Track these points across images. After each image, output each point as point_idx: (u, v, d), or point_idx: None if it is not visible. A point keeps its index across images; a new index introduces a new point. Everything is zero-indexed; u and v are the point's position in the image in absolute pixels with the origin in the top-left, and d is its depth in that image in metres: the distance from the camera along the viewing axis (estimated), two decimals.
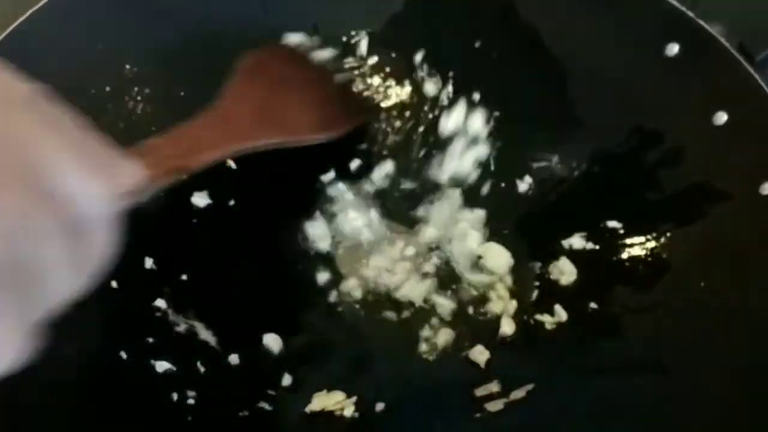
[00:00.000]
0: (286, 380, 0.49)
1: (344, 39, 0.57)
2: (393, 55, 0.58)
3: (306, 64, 0.54)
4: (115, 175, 0.25)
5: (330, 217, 0.56)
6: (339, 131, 0.51)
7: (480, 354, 0.50)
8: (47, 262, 0.21)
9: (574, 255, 0.53)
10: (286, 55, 0.54)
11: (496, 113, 0.56)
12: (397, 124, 0.59)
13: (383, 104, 0.59)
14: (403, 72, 0.58)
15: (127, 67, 0.51)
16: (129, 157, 0.28)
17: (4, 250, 0.19)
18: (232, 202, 0.55)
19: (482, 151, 0.56)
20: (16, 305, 0.20)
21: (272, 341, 0.50)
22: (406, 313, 0.52)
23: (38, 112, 0.23)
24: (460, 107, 0.56)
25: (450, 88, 0.57)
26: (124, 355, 0.46)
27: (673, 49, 0.47)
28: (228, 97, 0.46)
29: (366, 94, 0.58)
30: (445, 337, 0.51)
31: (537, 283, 0.53)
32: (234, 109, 0.45)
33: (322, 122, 0.50)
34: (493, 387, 0.48)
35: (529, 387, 0.47)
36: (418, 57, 0.57)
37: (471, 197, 0.56)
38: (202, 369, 0.48)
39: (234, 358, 0.49)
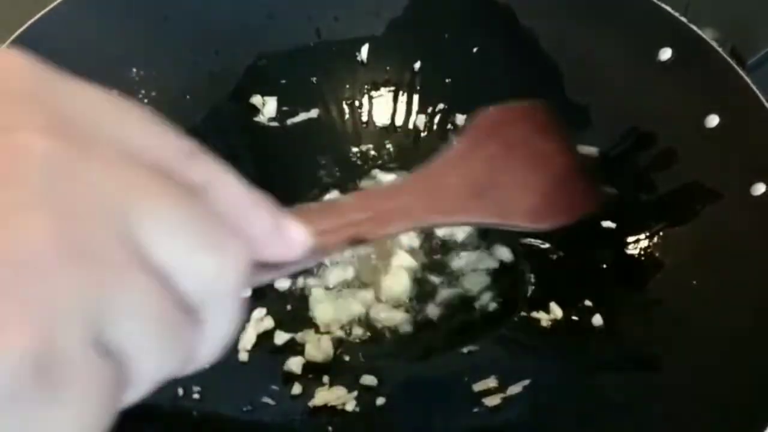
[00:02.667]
0: (290, 376, 0.50)
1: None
2: (393, 59, 0.59)
3: (547, 132, 0.45)
4: (229, 245, 0.19)
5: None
6: (551, 226, 0.42)
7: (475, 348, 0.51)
8: (138, 341, 0.17)
9: (569, 254, 0.53)
10: (528, 117, 0.45)
11: None
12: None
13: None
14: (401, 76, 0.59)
15: (134, 70, 0.52)
16: (296, 219, 0.23)
17: (72, 327, 0.15)
18: None
19: None
20: (85, 383, 0.16)
21: (277, 337, 0.51)
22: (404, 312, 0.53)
23: (172, 169, 0.19)
24: None
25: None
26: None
27: (666, 53, 0.48)
28: (448, 159, 0.39)
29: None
30: (443, 333, 0.52)
31: (533, 281, 0.54)
32: (450, 175, 0.38)
33: (542, 210, 0.41)
34: (491, 382, 0.48)
35: (526, 382, 0.48)
36: (417, 63, 0.58)
37: None
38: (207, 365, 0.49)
39: (238, 354, 0.50)
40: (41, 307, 0.15)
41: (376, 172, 0.58)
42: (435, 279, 0.54)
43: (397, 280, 0.53)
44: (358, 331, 0.52)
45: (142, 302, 0.17)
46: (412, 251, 0.55)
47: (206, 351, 0.20)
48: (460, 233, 0.56)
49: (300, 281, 0.54)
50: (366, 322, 0.52)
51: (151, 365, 0.18)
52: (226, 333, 0.20)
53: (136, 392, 0.19)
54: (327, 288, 0.54)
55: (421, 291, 0.54)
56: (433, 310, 0.53)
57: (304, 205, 0.28)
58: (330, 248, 0.27)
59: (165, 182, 0.18)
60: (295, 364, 0.50)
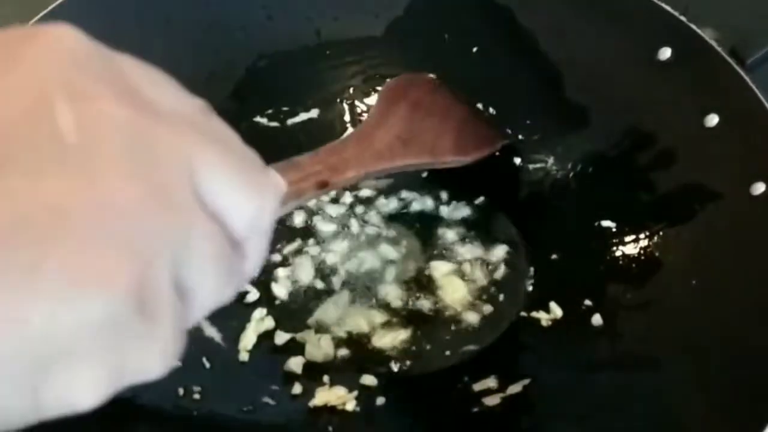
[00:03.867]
0: (290, 376, 0.50)
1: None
2: (392, 60, 0.59)
3: (443, 92, 0.56)
4: (264, 189, 0.23)
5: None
6: (472, 157, 0.53)
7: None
8: (201, 277, 0.20)
9: (569, 253, 0.54)
10: (425, 83, 0.56)
11: (493, 112, 0.57)
12: None
13: None
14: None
15: None
16: (274, 171, 0.27)
17: (162, 268, 0.18)
18: None
19: None
20: (171, 318, 0.19)
21: (277, 337, 0.51)
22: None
23: (203, 126, 0.22)
24: None
25: None
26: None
27: (666, 53, 0.48)
28: (372, 120, 0.49)
29: None
30: (442, 332, 0.52)
31: (532, 281, 0.54)
32: (378, 131, 0.48)
33: (458, 147, 0.52)
34: (491, 382, 0.48)
35: (526, 382, 0.48)
36: (417, 63, 0.58)
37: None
38: (207, 364, 0.49)
39: (238, 355, 0.50)
40: (140, 248, 0.17)
41: None
42: None
43: (452, 287, 0.53)
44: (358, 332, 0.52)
45: (208, 242, 0.20)
46: (413, 254, 0.55)
47: (245, 279, 0.24)
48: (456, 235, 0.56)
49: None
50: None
51: (210, 298, 0.21)
52: (260, 262, 0.24)
53: (192, 322, 0.21)
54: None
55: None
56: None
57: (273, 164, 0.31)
58: (301, 193, 0.34)
59: (209, 138, 0.21)
60: (295, 364, 0.50)
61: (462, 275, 0.54)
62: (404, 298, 0.53)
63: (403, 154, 0.48)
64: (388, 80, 0.55)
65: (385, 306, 0.53)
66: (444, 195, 0.58)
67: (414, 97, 0.53)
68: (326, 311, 0.53)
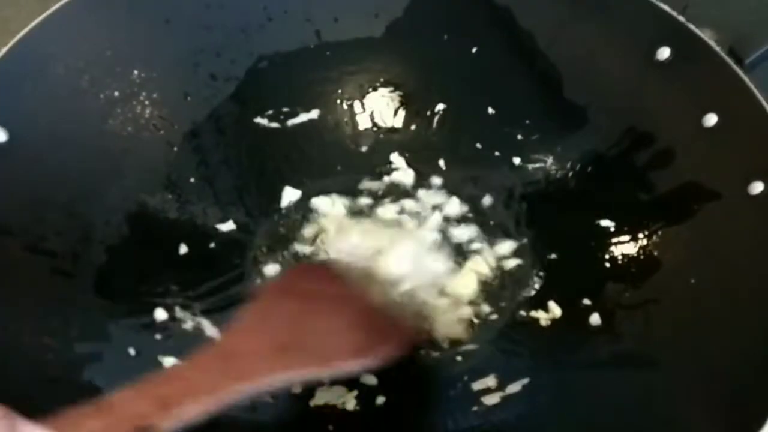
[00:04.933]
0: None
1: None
2: (392, 60, 0.59)
3: (339, 282, 0.48)
4: None
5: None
6: (377, 359, 0.43)
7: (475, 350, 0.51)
8: None
9: (567, 253, 0.54)
10: (317, 272, 0.49)
11: (492, 112, 0.57)
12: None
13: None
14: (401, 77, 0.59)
15: (135, 72, 0.52)
16: (77, 418, 0.24)
17: None
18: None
19: None
20: None
21: None
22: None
23: None
24: None
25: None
26: (132, 351, 0.48)
27: (665, 53, 0.48)
28: (241, 325, 0.39)
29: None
30: (443, 331, 0.52)
31: (532, 280, 0.54)
32: (248, 338, 0.38)
33: (357, 348, 0.42)
34: (490, 381, 0.49)
35: (525, 381, 0.48)
36: (417, 64, 0.58)
37: None
38: None
39: None
40: None
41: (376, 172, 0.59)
42: None
43: (466, 281, 0.53)
44: None
45: None
46: None
47: None
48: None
49: None
50: None
51: None
52: None
53: None
54: None
55: None
56: None
57: (76, 408, 0.28)
58: None
59: None
60: None
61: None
62: None
63: (284, 364, 0.37)
64: (271, 278, 0.48)
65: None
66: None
67: (301, 290, 0.44)
68: None
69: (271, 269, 0.54)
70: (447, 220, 0.57)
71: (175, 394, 0.32)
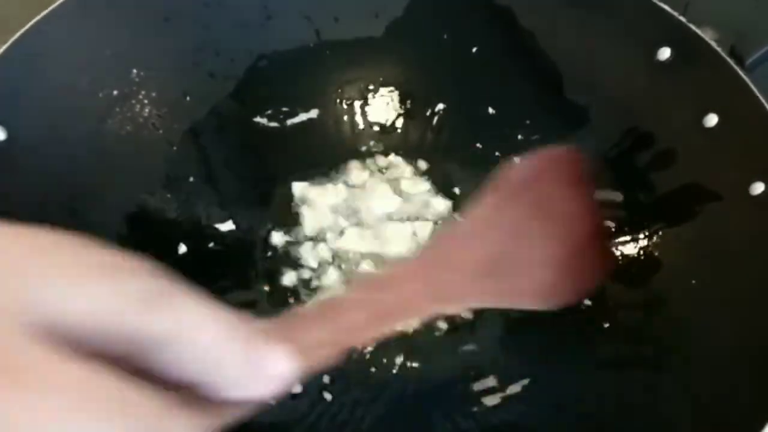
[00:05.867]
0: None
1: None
2: (392, 60, 0.59)
3: (575, 188, 0.38)
4: (249, 385, 0.19)
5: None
6: (565, 302, 0.35)
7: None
8: None
9: None
10: (557, 168, 0.38)
11: (492, 112, 0.57)
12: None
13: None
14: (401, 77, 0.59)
15: (135, 71, 0.52)
16: (275, 342, 0.20)
17: None
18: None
19: None
20: None
21: None
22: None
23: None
24: None
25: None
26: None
27: (665, 53, 0.48)
28: (461, 231, 0.33)
29: None
30: (442, 331, 0.52)
31: None
32: (458, 252, 0.32)
33: (555, 287, 0.35)
34: (490, 382, 0.49)
35: (525, 382, 0.48)
36: (417, 64, 0.58)
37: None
38: None
39: None
40: None
41: (376, 172, 0.59)
42: None
43: None
44: None
45: None
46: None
47: None
48: None
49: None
50: None
51: None
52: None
53: None
54: None
55: None
56: None
57: (299, 308, 0.25)
58: (319, 367, 0.24)
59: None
60: None
61: None
62: None
63: (478, 293, 0.32)
64: (510, 163, 0.37)
65: None
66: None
67: (534, 197, 0.35)
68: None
69: (271, 268, 0.54)
70: (446, 219, 0.57)
71: (387, 307, 0.27)
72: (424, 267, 0.31)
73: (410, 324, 0.46)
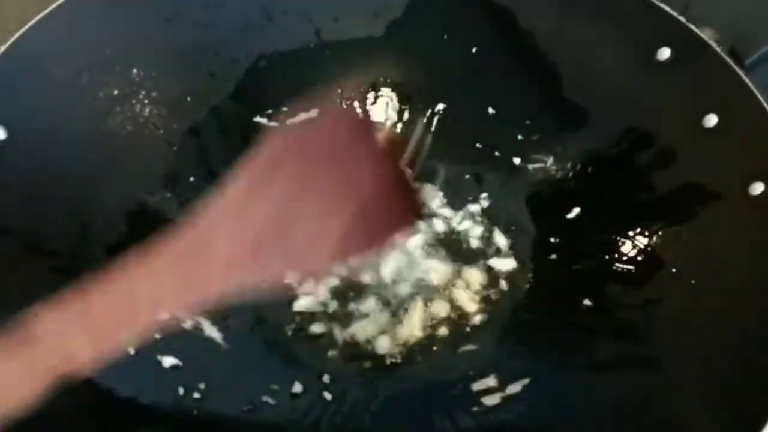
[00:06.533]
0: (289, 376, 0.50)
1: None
2: (392, 60, 0.59)
3: (362, 138, 0.35)
4: None
5: None
6: (363, 255, 0.33)
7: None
8: None
9: (568, 254, 0.54)
10: (335, 124, 0.36)
11: (492, 112, 0.57)
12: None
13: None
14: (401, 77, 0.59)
15: (135, 71, 0.52)
16: None
17: None
18: None
19: None
20: None
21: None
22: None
23: None
24: None
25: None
26: (131, 350, 0.47)
27: (665, 53, 0.48)
28: (215, 212, 0.29)
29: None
30: (442, 332, 0.52)
31: (532, 280, 0.54)
32: (216, 236, 0.28)
33: (348, 244, 0.31)
34: (490, 381, 0.49)
35: (525, 381, 0.48)
36: (417, 64, 0.58)
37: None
38: (208, 365, 0.49)
39: (238, 354, 0.51)
40: None
41: None
42: None
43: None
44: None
45: None
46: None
47: None
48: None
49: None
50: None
51: None
52: None
53: None
54: None
55: None
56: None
57: None
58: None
59: None
60: None
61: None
62: None
63: (249, 272, 0.28)
64: (277, 126, 0.34)
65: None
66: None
67: (309, 156, 0.33)
68: None
69: None
70: (446, 219, 0.57)
71: (111, 321, 0.24)
72: (162, 258, 0.28)
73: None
